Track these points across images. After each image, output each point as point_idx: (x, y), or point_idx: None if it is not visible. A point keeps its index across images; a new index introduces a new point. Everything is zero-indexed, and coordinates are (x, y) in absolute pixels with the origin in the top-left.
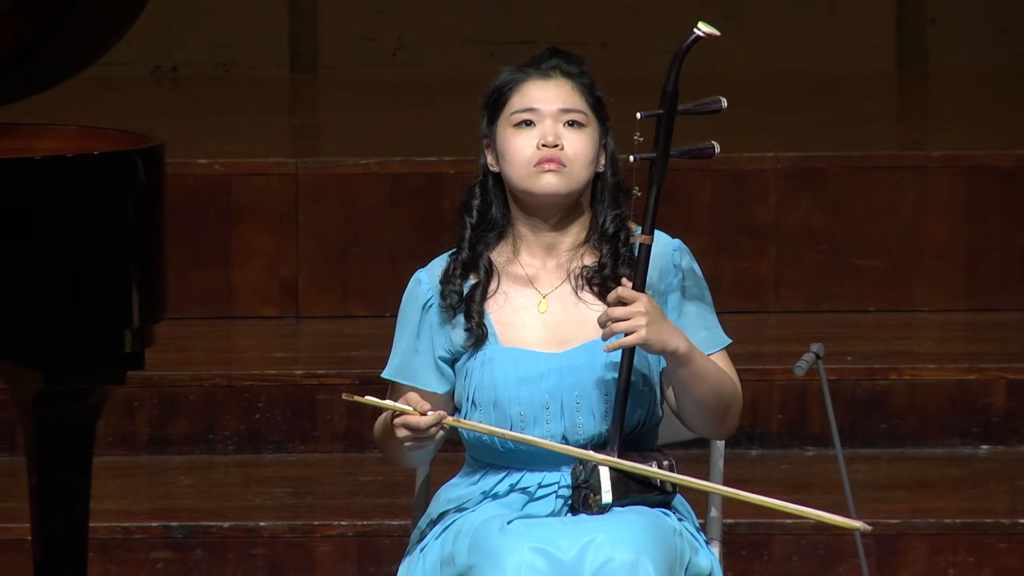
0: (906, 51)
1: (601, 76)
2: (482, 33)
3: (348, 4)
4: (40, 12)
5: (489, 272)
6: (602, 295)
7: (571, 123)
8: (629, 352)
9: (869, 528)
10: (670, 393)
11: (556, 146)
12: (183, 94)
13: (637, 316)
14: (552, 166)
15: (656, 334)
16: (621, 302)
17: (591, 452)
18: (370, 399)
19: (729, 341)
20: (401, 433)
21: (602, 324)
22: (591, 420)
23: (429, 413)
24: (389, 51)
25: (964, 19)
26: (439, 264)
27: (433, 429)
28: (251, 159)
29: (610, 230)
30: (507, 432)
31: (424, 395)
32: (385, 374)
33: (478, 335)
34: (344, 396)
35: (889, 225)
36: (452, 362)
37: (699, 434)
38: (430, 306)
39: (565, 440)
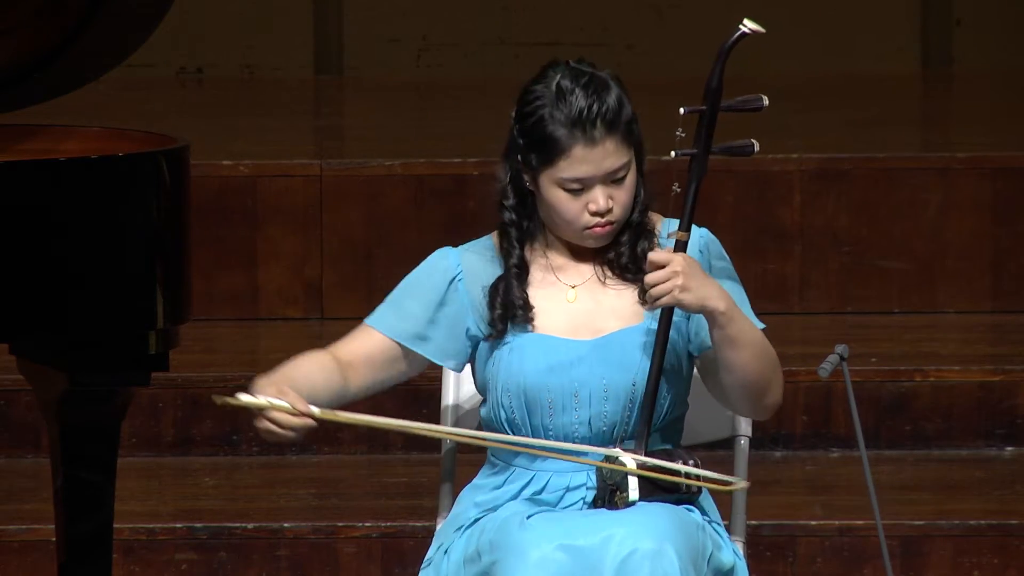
0: (931, 52)
1: (625, 78)
2: (507, 35)
3: (373, 5)
4: (66, 15)
5: (526, 268)
6: (623, 273)
7: (617, 179)
8: (661, 346)
9: (746, 484)
10: (711, 380)
11: (608, 211)
12: (208, 95)
13: (673, 277)
14: (602, 231)
15: (692, 293)
16: (657, 267)
17: (606, 461)
18: (244, 399)
19: (762, 326)
20: (263, 424)
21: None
22: (617, 408)
23: (313, 409)
24: (414, 52)
25: (989, 20)
26: (474, 250)
27: (295, 433)
28: (276, 160)
29: (635, 220)
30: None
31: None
32: (371, 322)
33: (525, 317)
34: (215, 399)
35: (914, 226)
36: (476, 344)
37: (741, 413)
38: (458, 281)
39: (590, 426)
